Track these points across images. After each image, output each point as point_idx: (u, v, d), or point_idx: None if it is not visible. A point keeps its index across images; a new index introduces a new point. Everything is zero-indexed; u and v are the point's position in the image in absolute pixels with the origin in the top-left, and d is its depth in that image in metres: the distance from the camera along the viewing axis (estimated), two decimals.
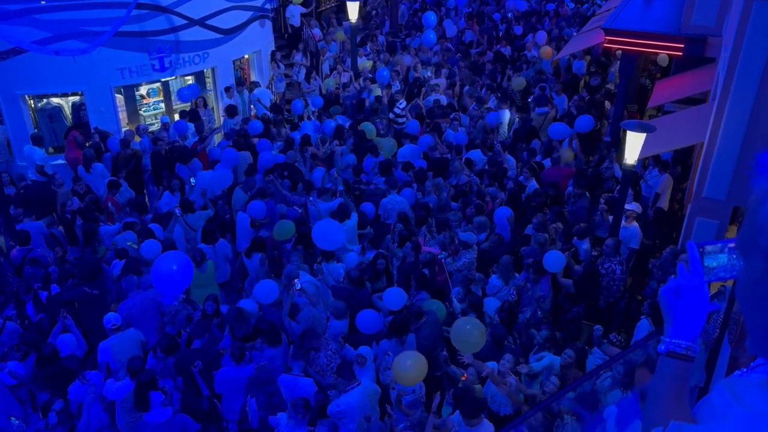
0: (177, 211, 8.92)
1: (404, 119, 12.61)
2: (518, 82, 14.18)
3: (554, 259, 7.61)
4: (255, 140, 11.62)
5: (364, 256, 8.52)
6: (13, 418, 5.74)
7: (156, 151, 11.21)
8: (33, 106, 12.50)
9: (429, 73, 14.84)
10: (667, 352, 1.54)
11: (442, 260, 8.10)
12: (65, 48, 10.99)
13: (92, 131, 11.93)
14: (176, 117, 13.04)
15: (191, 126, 12.19)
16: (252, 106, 13.90)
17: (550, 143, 11.10)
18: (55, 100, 12.71)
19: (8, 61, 11.49)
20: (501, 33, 18.74)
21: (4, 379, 6.47)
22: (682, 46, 10.28)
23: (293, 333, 7.01)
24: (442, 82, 14.32)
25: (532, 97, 13.57)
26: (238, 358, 6.53)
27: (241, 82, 14.26)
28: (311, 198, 9.36)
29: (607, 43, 11.37)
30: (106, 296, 8.06)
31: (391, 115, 12.88)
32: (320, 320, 7.18)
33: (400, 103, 12.91)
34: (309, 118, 13.29)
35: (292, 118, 13.95)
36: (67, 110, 12.89)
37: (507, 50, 17.07)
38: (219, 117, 14.04)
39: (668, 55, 11.96)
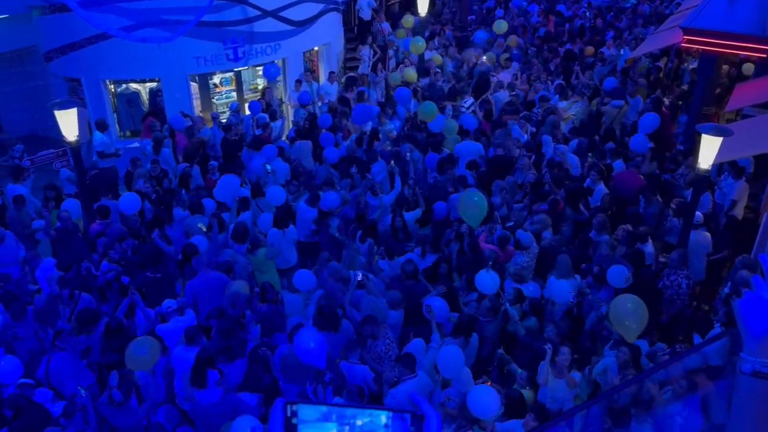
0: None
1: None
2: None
3: (618, 274, 7.30)
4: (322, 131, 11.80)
5: (424, 260, 8.42)
6: (81, 388, 5.99)
7: (227, 138, 11.52)
8: (113, 90, 13.10)
9: (491, 69, 14.65)
10: (752, 372, 1.40)
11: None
12: (150, 35, 11.45)
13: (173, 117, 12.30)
14: (246, 107, 13.35)
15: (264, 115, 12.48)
16: (319, 98, 14.10)
17: (622, 143, 10.76)
18: (133, 86, 13.28)
19: (92, 47, 12.08)
20: (575, 29, 18.35)
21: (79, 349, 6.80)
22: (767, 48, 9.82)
23: (354, 320, 7.12)
24: (506, 77, 14.10)
25: (606, 88, 13.15)
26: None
27: (308, 73, 14.47)
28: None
29: (685, 43, 10.95)
30: (170, 279, 8.36)
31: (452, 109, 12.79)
32: (380, 309, 7.24)
33: (466, 100, 12.81)
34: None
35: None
36: (145, 96, 13.44)
37: (578, 47, 16.70)
38: (287, 108, 14.33)
39: (751, 57, 11.42)
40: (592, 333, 7.10)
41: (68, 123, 8.59)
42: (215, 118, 12.59)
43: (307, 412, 1.07)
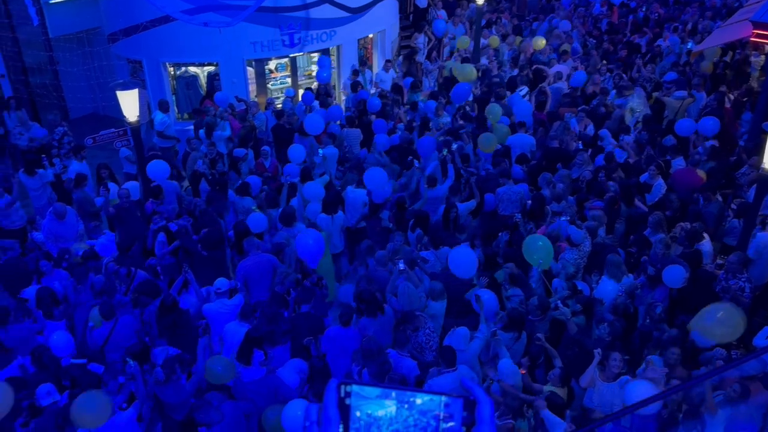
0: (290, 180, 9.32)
1: None
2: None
3: (675, 274, 7.07)
4: (372, 117, 11.82)
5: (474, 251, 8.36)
6: (129, 359, 6.19)
7: (279, 124, 11.66)
8: (173, 73, 13.41)
9: (547, 59, 14.35)
10: None
11: None
12: (211, 20, 11.65)
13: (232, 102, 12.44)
14: (300, 92, 13.48)
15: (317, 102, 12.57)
16: (373, 85, 14.11)
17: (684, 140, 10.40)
18: (192, 69, 13.57)
19: (155, 29, 12.38)
20: (639, 21, 17.80)
21: (132, 324, 7.05)
22: None
23: (392, 306, 7.15)
24: (564, 69, 13.80)
25: (666, 80, 12.71)
26: (346, 322, 6.76)
27: (364, 61, 14.50)
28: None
29: (754, 37, 10.47)
30: (223, 259, 8.55)
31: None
32: (417, 298, 7.24)
33: (521, 89, 12.61)
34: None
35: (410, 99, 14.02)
36: (203, 79, 13.71)
37: (644, 39, 16.18)
38: (340, 95, 14.40)
39: None
40: (642, 334, 6.92)
41: (129, 103, 8.84)
42: (270, 103, 12.76)
43: (363, 390, 1.07)
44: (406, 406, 1.06)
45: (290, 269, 8.09)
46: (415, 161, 9.82)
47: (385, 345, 6.67)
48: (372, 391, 1.07)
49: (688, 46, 15.01)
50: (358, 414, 1.06)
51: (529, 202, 8.97)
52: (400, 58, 15.43)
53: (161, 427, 6.42)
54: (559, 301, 7.13)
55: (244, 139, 11.35)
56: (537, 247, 7.39)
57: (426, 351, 6.83)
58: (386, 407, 1.06)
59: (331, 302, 8.24)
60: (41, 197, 10.08)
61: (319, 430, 1.05)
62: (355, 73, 13.80)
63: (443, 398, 1.07)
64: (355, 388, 1.07)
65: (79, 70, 13.57)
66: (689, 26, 16.81)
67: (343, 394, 1.06)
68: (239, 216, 9.00)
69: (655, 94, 12.72)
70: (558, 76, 13.22)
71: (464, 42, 14.84)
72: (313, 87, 13.41)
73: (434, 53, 15.13)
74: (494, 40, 15.01)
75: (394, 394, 1.07)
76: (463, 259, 7.25)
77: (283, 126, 11.56)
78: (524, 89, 12.67)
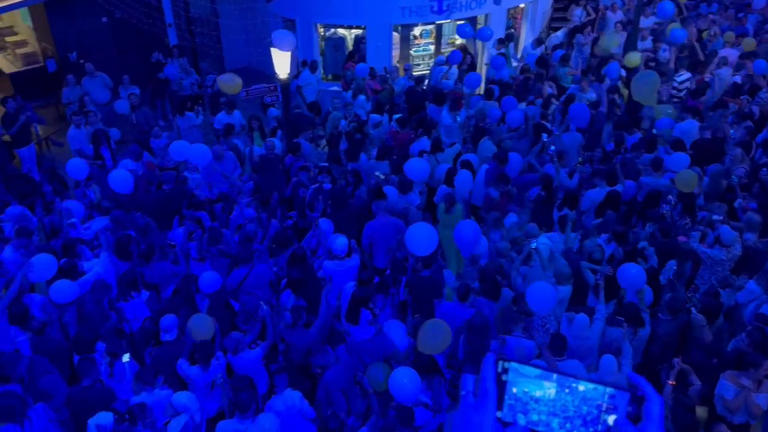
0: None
1: (684, 92, 11.42)
2: None
3: None
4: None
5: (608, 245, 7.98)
6: (262, 303, 6.60)
7: (413, 87, 11.65)
8: (322, 34, 13.81)
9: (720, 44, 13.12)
10: None
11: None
12: None
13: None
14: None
15: (455, 71, 12.45)
16: (519, 60, 13.72)
17: None
18: (341, 31, 13.89)
19: None
20: None
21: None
22: None
23: (517, 289, 7.03)
24: (733, 54, 12.56)
25: None
26: (463, 296, 6.77)
27: (510, 34, 14.07)
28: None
29: None
30: (353, 217, 8.79)
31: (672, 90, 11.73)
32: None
33: (680, 74, 11.69)
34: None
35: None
36: (349, 42, 14.01)
37: None
38: (482, 66, 14.14)
39: None
40: None
41: (282, 61, 9.24)
42: (407, 69, 12.79)
43: (522, 368, 1.06)
44: (567, 390, 1.05)
45: None
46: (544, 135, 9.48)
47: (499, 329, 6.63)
48: (531, 371, 1.07)
49: None
50: (514, 390, 1.07)
51: (670, 197, 8.40)
52: (561, 31, 14.75)
53: (283, 368, 6.82)
54: (693, 309, 6.69)
55: (381, 103, 11.51)
56: None
57: (540, 333, 6.69)
58: (545, 388, 1.06)
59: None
60: (189, 138, 10.88)
61: (475, 401, 1.07)
62: (501, 43, 13.45)
63: (608, 389, 1.04)
64: (514, 365, 1.07)
65: (238, 25, 14.32)
66: None
67: (500, 370, 1.07)
68: (370, 180, 9.20)
69: None
70: (723, 61, 12.09)
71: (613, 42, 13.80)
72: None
73: (589, 27, 14.35)
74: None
75: (555, 377, 1.06)
76: None
77: (417, 90, 11.55)
78: (685, 74, 11.71)
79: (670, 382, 5.90)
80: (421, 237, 6.78)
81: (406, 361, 6.23)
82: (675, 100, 11.45)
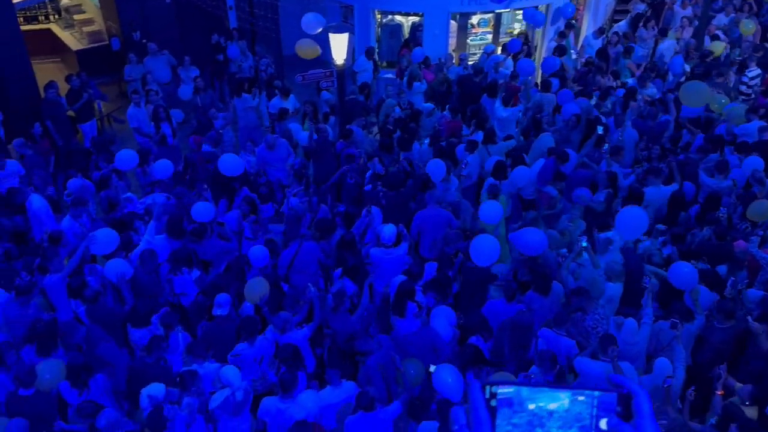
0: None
1: (754, 89, 10.91)
2: None
3: None
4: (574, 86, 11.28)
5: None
6: (310, 285, 6.71)
7: (466, 75, 11.49)
8: (379, 20, 13.78)
9: None
10: None
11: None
12: None
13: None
14: (498, 51, 13.17)
15: (510, 62, 12.26)
16: (578, 52, 13.40)
17: None
18: (398, 18, 13.83)
19: None
20: None
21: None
22: None
23: (567, 287, 6.93)
24: None
25: None
26: (510, 296, 6.72)
27: (570, 24, 13.74)
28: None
29: None
30: (404, 204, 8.80)
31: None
32: (598, 283, 6.93)
33: (751, 70, 11.15)
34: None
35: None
36: (406, 29, 13.93)
37: None
38: (540, 57, 13.86)
39: None
40: None
41: (339, 46, 9.29)
42: (463, 59, 12.61)
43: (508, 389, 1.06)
44: (561, 402, 1.05)
45: (465, 224, 8.20)
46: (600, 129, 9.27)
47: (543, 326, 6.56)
48: (545, 394, 1.06)
49: None
50: (531, 406, 1.05)
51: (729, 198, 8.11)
52: (623, 22, 14.32)
53: (327, 351, 6.93)
54: (750, 318, 6.45)
55: (434, 92, 11.43)
56: None
57: (592, 337, 6.57)
58: (560, 400, 1.06)
59: None
60: (245, 119, 11.09)
61: None
62: (561, 35, 13.15)
63: (595, 393, 1.04)
64: (501, 389, 1.06)
65: (297, 9, 14.40)
66: None
67: (488, 395, 1.06)
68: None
69: None
70: None
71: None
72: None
73: (653, 21, 13.89)
74: (749, 27, 13.03)
75: (570, 390, 1.06)
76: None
77: (471, 79, 11.41)
78: (755, 69, 11.18)
79: (719, 393, 5.75)
80: (484, 248, 6.91)
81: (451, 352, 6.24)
82: (743, 97, 10.98)
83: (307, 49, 9.87)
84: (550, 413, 1.05)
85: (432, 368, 5.54)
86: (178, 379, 5.60)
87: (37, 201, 8.17)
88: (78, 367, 5.81)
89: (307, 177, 9.10)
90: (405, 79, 11.62)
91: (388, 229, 7.42)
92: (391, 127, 10.07)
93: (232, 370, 5.73)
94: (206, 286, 7.02)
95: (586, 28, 14.57)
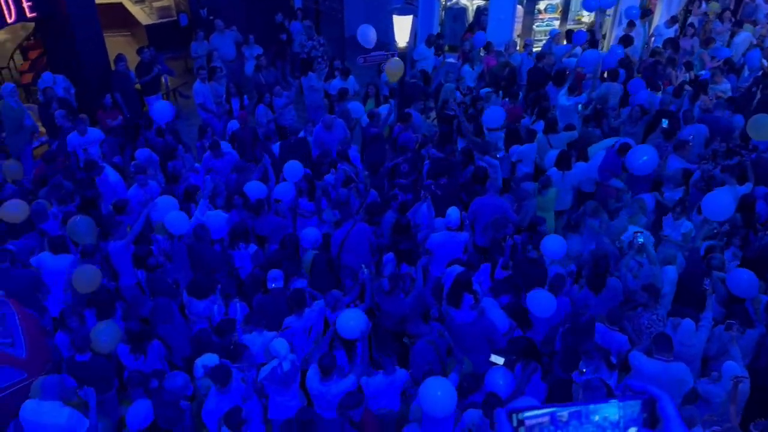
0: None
1: None
2: None
3: None
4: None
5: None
6: (364, 267, 6.76)
7: (536, 67, 11.27)
8: (443, 3, 13.61)
9: None
10: None
11: None
12: None
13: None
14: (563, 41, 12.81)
15: (579, 51, 11.91)
16: (648, 40, 12.92)
17: None
18: (462, 1, 13.62)
19: None
20: None
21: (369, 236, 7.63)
22: None
23: (626, 286, 6.77)
24: None
25: None
26: (557, 288, 6.62)
27: (646, 12, 13.23)
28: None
29: None
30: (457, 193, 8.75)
31: None
32: (658, 279, 6.74)
33: None
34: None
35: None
36: (470, 13, 13.72)
37: None
38: (608, 45, 13.45)
39: None
40: None
41: (402, 29, 9.25)
42: (527, 45, 12.34)
43: (534, 413, 1.04)
44: (584, 419, 1.04)
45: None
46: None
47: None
48: (542, 412, 1.05)
49: None
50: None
51: None
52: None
53: (374, 334, 6.98)
54: None
55: (495, 77, 11.22)
56: None
57: (645, 336, 6.41)
58: (612, 415, 1.04)
59: None
60: (310, 98, 11.22)
61: None
62: (631, 24, 12.68)
63: (618, 403, 1.03)
64: (527, 414, 1.05)
65: None
66: None
67: (515, 424, 1.04)
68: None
69: None
70: None
71: None
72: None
73: (728, 12, 13.25)
74: None
75: (566, 411, 1.04)
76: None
77: (542, 70, 11.16)
78: None
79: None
80: (554, 245, 6.97)
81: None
82: None
83: (395, 70, 9.86)
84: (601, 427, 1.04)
85: (499, 360, 5.56)
86: (232, 346, 5.76)
87: (113, 175, 8.57)
88: (137, 334, 6.02)
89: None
90: (459, 63, 11.48)
91: (453, 212, 7.43)
92: (452, 113, 9.97)
93: (281, 342, 5.83)
94: (264, 261, 7.17)
95: (659, 17, 14.02)
